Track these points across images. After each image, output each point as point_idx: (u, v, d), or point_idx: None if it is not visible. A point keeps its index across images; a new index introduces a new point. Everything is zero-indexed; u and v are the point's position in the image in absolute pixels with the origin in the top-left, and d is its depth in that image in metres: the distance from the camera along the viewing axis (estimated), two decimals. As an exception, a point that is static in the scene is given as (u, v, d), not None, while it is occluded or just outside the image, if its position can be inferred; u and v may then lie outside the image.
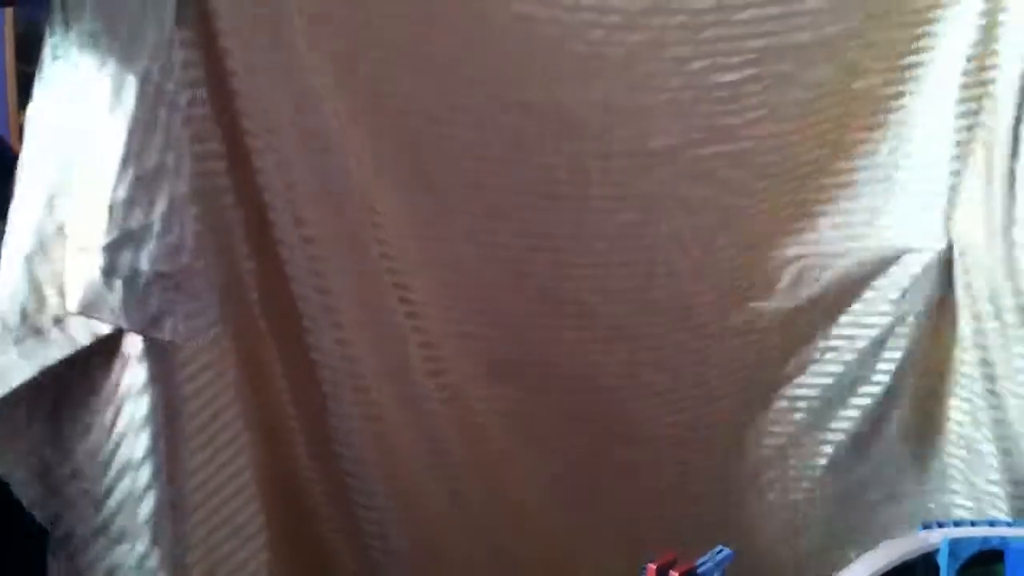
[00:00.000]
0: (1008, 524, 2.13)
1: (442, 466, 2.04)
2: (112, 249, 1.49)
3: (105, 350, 1.55)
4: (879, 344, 2.19)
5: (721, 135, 2.03)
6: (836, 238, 2.17)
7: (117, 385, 1.56)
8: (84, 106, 1.50)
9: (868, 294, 2.17)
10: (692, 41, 1.96)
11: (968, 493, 2.27)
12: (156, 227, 1.50)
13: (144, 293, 1.52)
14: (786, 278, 2.15)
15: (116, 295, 1.50)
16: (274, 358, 1.85)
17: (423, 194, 1.92)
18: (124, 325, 1.53)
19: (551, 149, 1.96)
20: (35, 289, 1.51)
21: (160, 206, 1.50)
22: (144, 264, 1.51)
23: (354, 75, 1.80)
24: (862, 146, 2.13)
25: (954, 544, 2.05)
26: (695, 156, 2.04)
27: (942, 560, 2.05)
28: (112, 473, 1.58)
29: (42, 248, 1.52)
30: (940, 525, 2.09)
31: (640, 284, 2.09)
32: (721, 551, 1.69)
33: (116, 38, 1.49)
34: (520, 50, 1.88)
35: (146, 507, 1.58)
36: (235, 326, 1.77)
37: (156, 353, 1.56)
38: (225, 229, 1.73)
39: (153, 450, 1.57)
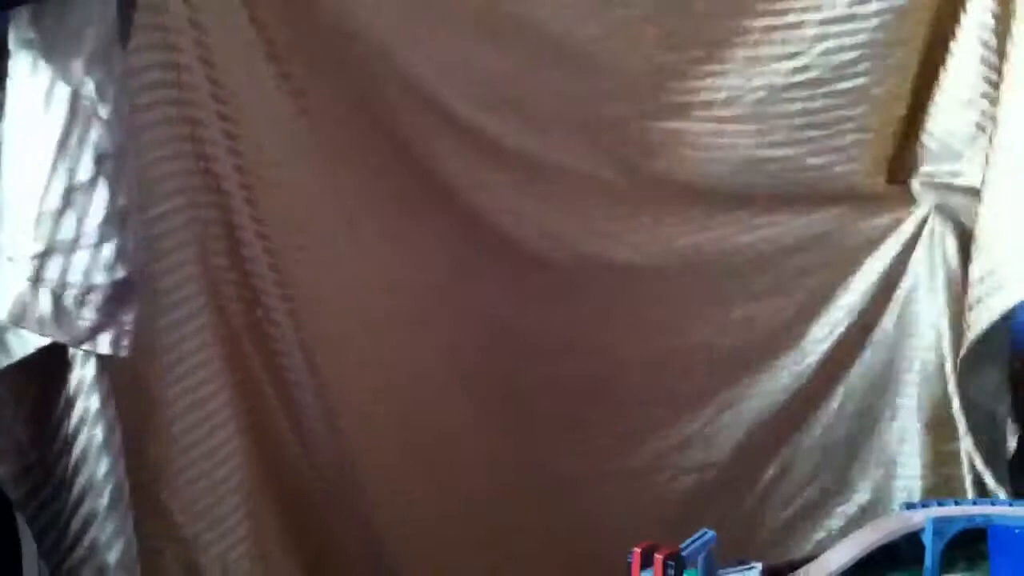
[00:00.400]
0: (991, 503, 2.13)
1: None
2: (39, 260, 1.46)
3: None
4: None
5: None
6: None
7: (66, 383, 1.55)
8: (16, 116, 1.47)
9: None
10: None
11: None
12: (89, 238, 1.47)
13: (77, 305, 1.49)
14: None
15: (45, 306, 1.47)
16: (258, 365, 1.87)
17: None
18: (55, 337, 1.50)
19: None
20: None
21: (94, 217, 1.47)
22: (76, 276, 1.48)
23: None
24: None
25: (938, 523, 2.04)
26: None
27: (927, 539, 2.04)
28: (71, 464, 1.57)
29: None
30: (924, 505, 2.09)
31: None
32: (705, 534, 1.67)
33: (52, 48, 1.45)
34: None
35: (104, 499, 1.56)
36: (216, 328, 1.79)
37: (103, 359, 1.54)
38: (202, 227, 1.75)
39: (106, 444, 1.55)
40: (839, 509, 2.30)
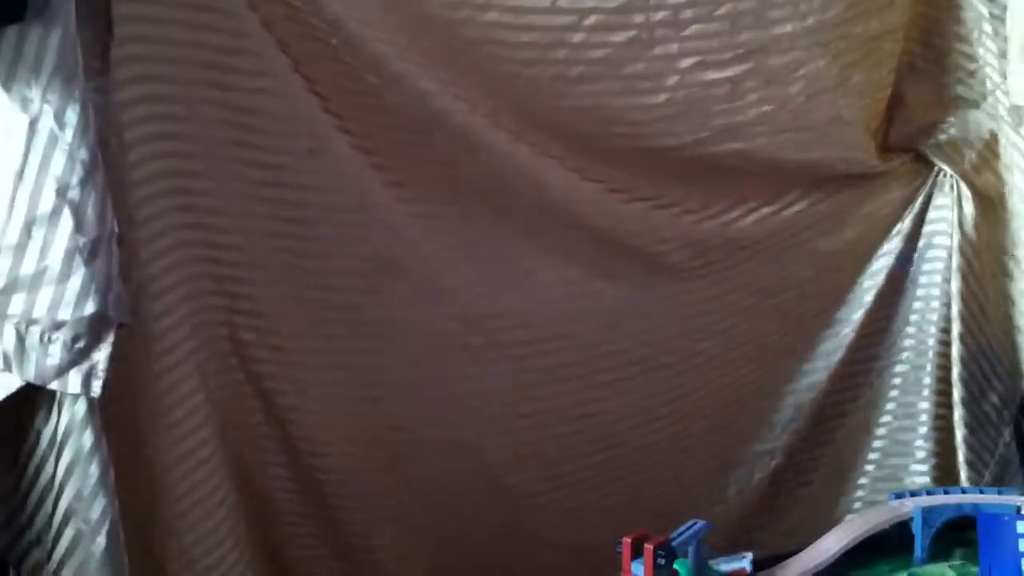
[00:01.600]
0: (979, 491, 2.14)
1: None
2: (1, 296, 1.42)
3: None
4: None
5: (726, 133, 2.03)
6: None
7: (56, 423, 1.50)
8: None
9: None
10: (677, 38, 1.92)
11: None
12: (53, 273, 1.41)
13: (43, 343, 1.43)
14: None
15: (8, 343, 1.43)
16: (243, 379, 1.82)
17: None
18: (21, 376, 1.45)
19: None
20: None
21: (57, 251, 1.41)
22: (40, 312, 1.43)
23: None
24: None
25: (927, 512, 2.05)
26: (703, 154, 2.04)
27: (916, 528, 2.05)
28: (60, 512, 1.53)
29: None
30: (913, 495, 2.11)
31: None
32: (695, 523, 1.69)
33: (9, 77, 1.40)
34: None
35: (99, 544, 1.52)
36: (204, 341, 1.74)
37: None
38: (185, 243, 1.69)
39: (101, 484, 1.51)
40: None
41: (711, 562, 1.87)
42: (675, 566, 1.59)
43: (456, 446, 1.98)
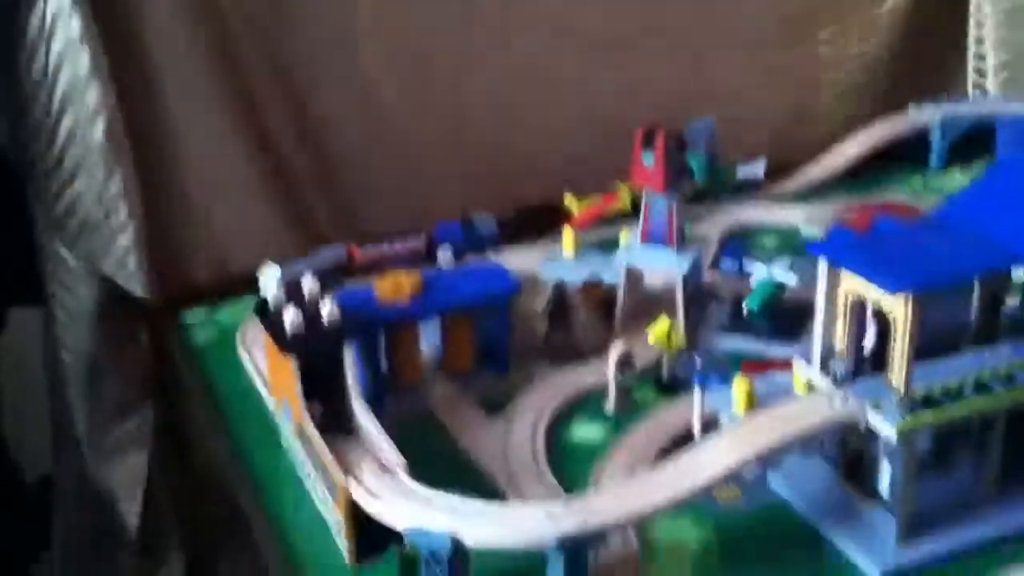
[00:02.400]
0: (1003, 99, 2.10)
1: None
2: None
3: None
4: None
5: None
6: None
7: (43, 10, 1.51)
8: None
9: None
10: None
11: None
12: None
13: None
14: None
15: None
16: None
17: None
18: None
19: None
20: None
21: None
22: None
23: None
24: None
25: (946, 120, 2.02)
26: None
27: (934, 136, 2.03)
28: (56, 100, 1.56)
29: None
30: (936, 104, 2.06)
31: None
32: (708, 118, 1.66)
33: None
34: None
35: (96, 133, 1.57)
36: None
37: None
38: None
39: (95, 69, 1.54)
40: None
41: (724, 162, 1.86)
42: (688, 161, 1.57)
43: None
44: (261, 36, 1.79)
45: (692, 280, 1.54)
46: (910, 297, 1.03)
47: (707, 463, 1.08)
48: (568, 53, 1.99)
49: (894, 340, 1.06)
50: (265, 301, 1.30)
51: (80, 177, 1.62)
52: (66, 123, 1.57)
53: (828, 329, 1.14)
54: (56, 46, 1.54)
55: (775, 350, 1.47)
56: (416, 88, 1.91)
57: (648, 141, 1.52)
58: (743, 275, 1.62)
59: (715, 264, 1.69)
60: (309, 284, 1.30)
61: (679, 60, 2.07)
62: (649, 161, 1.52)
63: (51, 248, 1.68)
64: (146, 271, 1.68)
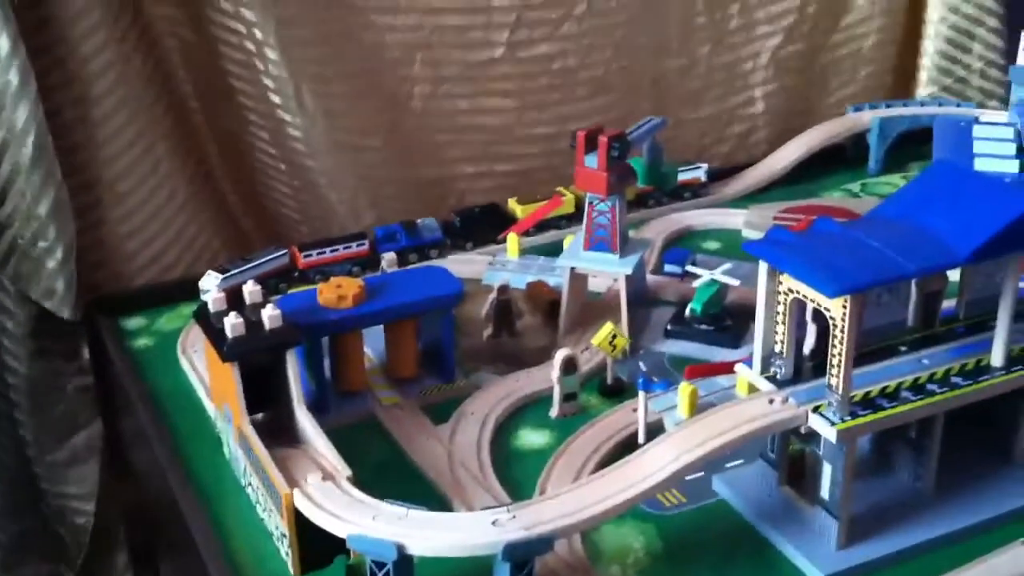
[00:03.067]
0: (937, 103, 2.14)
1: None
2: None
3: None
4: None
5: None
6: None
7: None
8: None
9: None
10: None
11: None
12: None
13: None
14: None
15: None
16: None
17: None
18: None
19: None
20: None
21: None
22: None
23: None
24: None
25: (884, 123, 2.05)
26: None
27: (872, 139, 2.06)
28: None
29: None
30: (872, 107, 2.10)
31: None
32: (651, 119, 1.67)
33: None
34: None
35: (26, 150, 1.55)
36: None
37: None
38: None
39: (22, 86, 1.51)
40: None
41: (666, 164, 1.87)
42: (630, 161, 1.58)
43: None
44: (187, 52, 1.79)
45: (635, 283, 1.55)
46: (848, 297, 1.04)
47: (651, 468, 1.08)
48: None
49: (833, 341, 1.07)
50: (206, 306, 1.28)
51: (9, 199, 1.59)
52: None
53: (769, 331, 1.15)
54: None
55: (719, 353, 1.48)
56: (347, 92, 1.90)
57: (591, 143, 1.52)
58: (686, 278, 1.63)
59: (658, 268, 1.70)
60: (250, 289, 1.28)
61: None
62: (592, 163, 1.52)
63: None
64: (75, 292, 1.65)
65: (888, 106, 2.10)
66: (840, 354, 1.07)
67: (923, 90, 2.28)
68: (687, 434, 1.11)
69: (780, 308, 1.13)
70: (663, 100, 2.15)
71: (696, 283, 1.56)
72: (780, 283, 1.12)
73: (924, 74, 2.28)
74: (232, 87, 1.83)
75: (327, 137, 1.89)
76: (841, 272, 1.04)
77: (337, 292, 1.37)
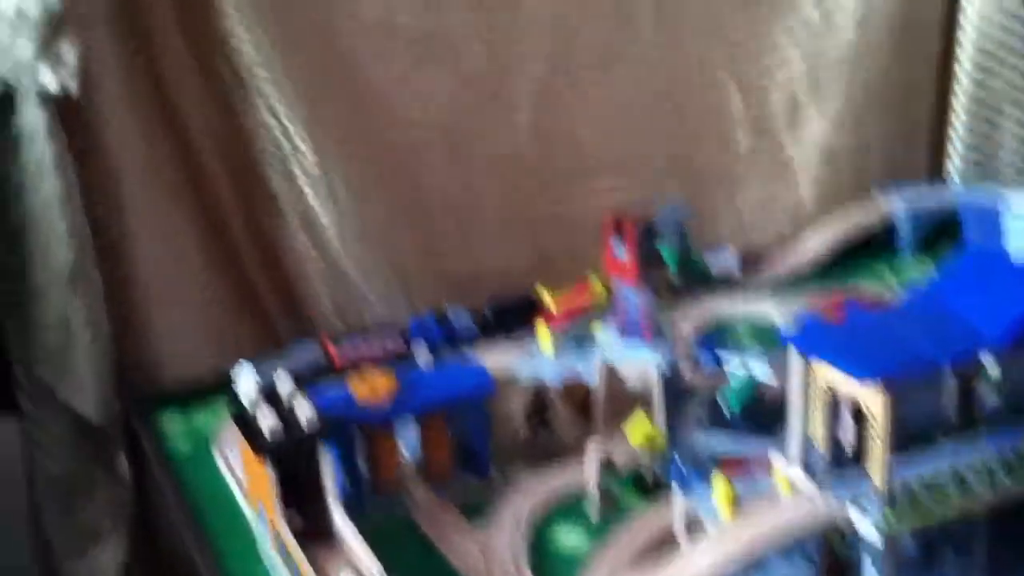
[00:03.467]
0: (967, 187, 2.13)
1: None
2: None
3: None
4: None
5: None
6: None
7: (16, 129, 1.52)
8: None
9: None
10: None
11: None
12: None
13: (12, 36, 1.44)
14: None
15: None
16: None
17: None
18: None
19: None
20: None
21: None
22: (7, 7, 1.43)
23: None
24: None
25: (913, 209, 2.05)
26: None
27: (901, 224, 2.07)
28: (24, 220, 1.55)
29: None
30: (899, 191, 2.09)
31: None
32: (676, 205, 1.67)
33: None
34: None
35: (65, 254, 1.56)
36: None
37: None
38: None
39: (65, 193, 1.54)
40: None
41: (695, 251, 1.87)
42: (660, 248, 1.58)
43: None
44: (220, 147, 1.82)
45: (669, 376, 1.54)
46: (884, 386, 1.03)
47: (690, 570, 1.06)
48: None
49: (871, 433, 1.06)
50: (239, 401, 1.29)
51: (44, 299, 1.61)
52: (31, 245, 1.56)
53: (804, 423, 1.14)
54: (27, 168, 1.53)
55: (754, 446, 1.46)
56: (376, 182, 1.93)
57: (618, 231, 1.52)
58: (720, 369, 1.62)
59: (692, 360, 1.69)
60: (285, 385, 1.29)
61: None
62: (620, 252, 1.52)
63: (21, 367, 1.66)
64: (106, 396, 1.65)
65: (918, 190, 2.10)
66: (879, 446, 1.06)
67: (954, 168, 2.26)
68: (727, 537, 1.10)
69: (815, 399, 1.13)
70: (700, 185, 2.13)
71: (729, 374, 1.55)
72: (814, 372, 1.12)
73: (954, 151, 2.26)
74: (265, 178, 1.85)
75: (359, 227, 1.91)
76: (875, 359, 1.04)
77: (370, 386, 1.37)
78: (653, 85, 2.06)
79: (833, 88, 2.14)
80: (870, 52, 2.13)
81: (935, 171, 2.28)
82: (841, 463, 1.14)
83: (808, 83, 2.13)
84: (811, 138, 2.17)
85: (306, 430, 1.24)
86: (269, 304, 1.96)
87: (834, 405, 1.12)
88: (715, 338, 1.77)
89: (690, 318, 1.83)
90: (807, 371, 1.12)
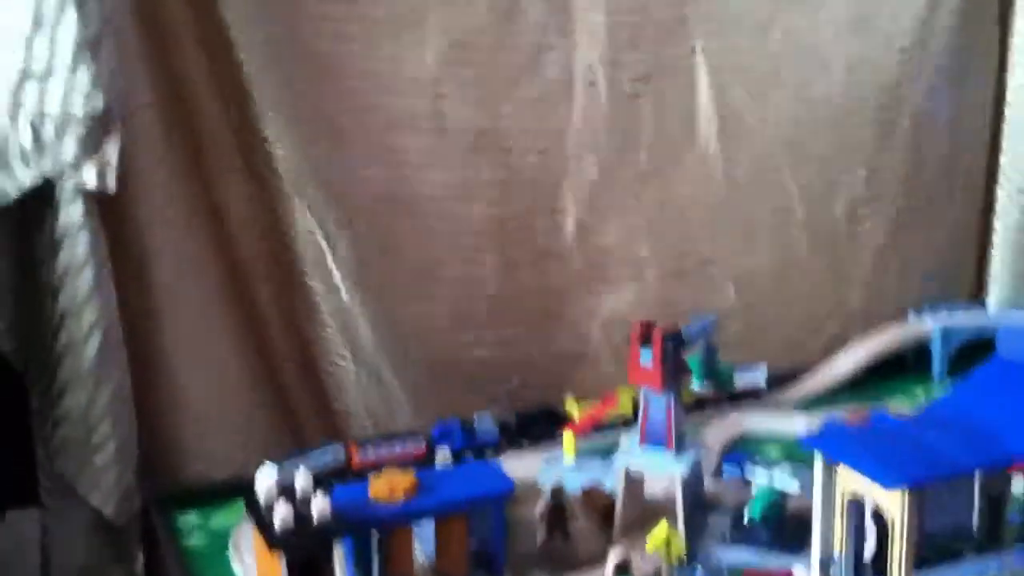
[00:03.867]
0: (1003, 310, 2.12)
1: None
2: (14, 90, 1.45)
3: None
4: None
5: None
6: None
7: (53, 225, 1.55)
8: None
9: None
10: None
11: None
12: (61, 67, 1.45)
13: (57, 136, 1.48)
14: None
15: (25, 138, 1.47)
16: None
17: None
18: (38, 170, 1.49)
19: None
20: None
21: (65, 43, 1.45)
22: (52, 107, 1.46)
23: None
24: None
25: (946, 331, 2.03)
26: None
27: (935, 346, 2.04)
28: (56, 316, 1.58)
29: None
30: (933, 313, 2.07)
31: None
32: (705, 318, 1.67)
33: None
34: None
35: (90, 350, 1.57)
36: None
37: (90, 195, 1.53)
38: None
39: (96, 289, 1.56)
40: None
41: (722, 363, 1.86)
42: (686, 359, 1.58)
43: None
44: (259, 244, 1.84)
45: (693, 487, 1.52)
46: (907, 492, 1.01)
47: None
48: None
49: (893, 543, 1.03)
50: (255, 496, 1.28)
51: (69, 394, 1.61)
52: (63, 340, 1.58)
53: (826, 532, 1.12)
54: (62, 262, 1.56)
55: (777, 560, 1.43)
56: (412, 280, 1.93)
57: (645, 338, 1.52)
58: (745, 483, 1.59)
59: (717, 472, 1.67)
60: (302, 480, 1.28)
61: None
62: (647, 359, 1.51)
63: (42, 460, 1.66)
64: (126, 494, 1.64)
65: (951, 312, 2.08)
66: (901, 556, 1.03)
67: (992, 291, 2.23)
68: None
69: (838, 506, 1.10)
70: (745, 295, 2.11)
71: (755, 488, 1.52)
72: (837, 479, 1.10)
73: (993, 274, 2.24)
74: (303, 279, 1.88)
75: (395, 331, 1.92)
76: (898, 465, 1.02)
77: (389, 485, 1.36)
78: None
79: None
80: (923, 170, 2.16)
81: (976, 292, 2.28)
82: (861, 572, 1.11)
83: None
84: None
85: (319, 525, 1.23)
86: (299, 404, 1.96)
87: (856, 514, 1.10)
88: (740, 450, 1.75)
89: (715, 429, 1.81)
90: (830, 475, 1.11)
